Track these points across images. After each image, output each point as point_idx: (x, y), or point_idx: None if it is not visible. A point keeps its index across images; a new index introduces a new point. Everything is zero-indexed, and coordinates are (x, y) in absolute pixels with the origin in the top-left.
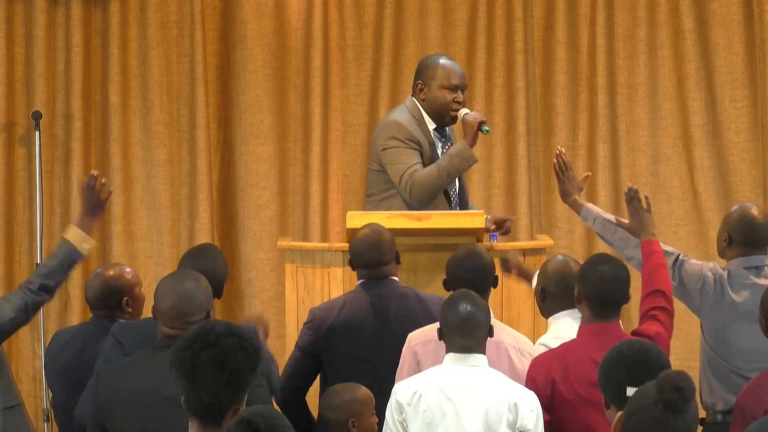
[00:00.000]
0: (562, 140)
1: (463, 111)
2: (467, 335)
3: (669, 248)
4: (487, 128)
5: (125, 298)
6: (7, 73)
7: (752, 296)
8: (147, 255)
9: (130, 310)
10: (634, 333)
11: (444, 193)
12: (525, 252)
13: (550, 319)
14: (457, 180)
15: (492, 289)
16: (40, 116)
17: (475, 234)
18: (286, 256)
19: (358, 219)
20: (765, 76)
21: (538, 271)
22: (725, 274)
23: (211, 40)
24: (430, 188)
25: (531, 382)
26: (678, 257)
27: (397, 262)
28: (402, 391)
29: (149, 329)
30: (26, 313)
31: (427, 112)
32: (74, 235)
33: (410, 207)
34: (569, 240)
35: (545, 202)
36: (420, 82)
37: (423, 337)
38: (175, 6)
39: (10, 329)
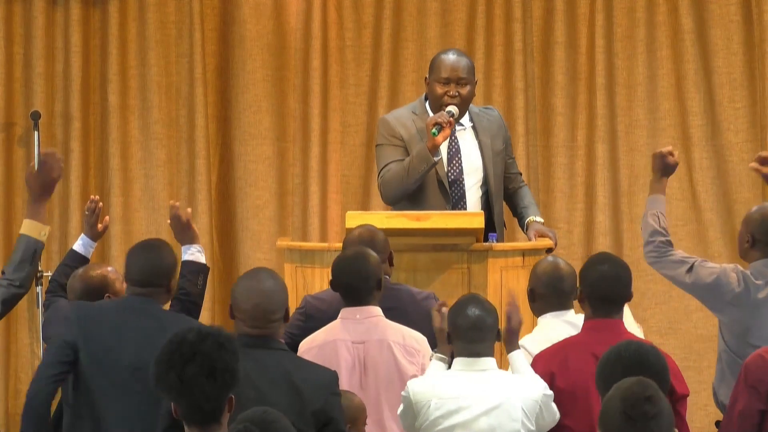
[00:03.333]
0: (561, 140)
1: (449, 108)
2: (475, 340)
3: (685, 256)
4: (434, 131)
5: (106, 295)
6: (6, 74)
7: None
8: None
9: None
10: None
11: (441, 188)
12: (525, 252)
13: (539, 319)
14: (471, 177)
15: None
16: (39, 116)
17: (475, 234)
18: (285, 256)
19: (357, 219)
20: (764, 76)
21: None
22: (748, 272)
23: (210, 40)
24: (397, 187)
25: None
26: (693, 264)
27: (390, 263)
28: (415, 390)
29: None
30: (2, 307)
31: (430, 105)
32: (27, 227)
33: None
34: (569, 240)
35: (545, 202)
36: (426, 76)
37: (309, 342)
38: (174, 6)
39: None
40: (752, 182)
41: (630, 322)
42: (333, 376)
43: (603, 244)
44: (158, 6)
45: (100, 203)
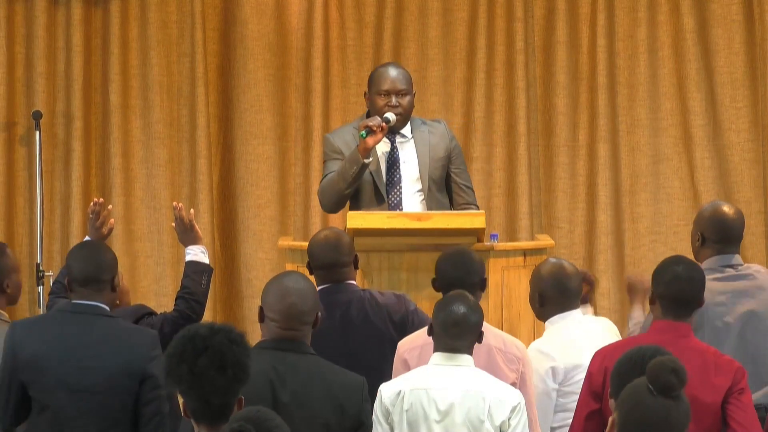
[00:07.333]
0: (562, 140)
1: (386, 115)
2: (456, 337)
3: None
4: (362, 133)
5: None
6: (8, 73)
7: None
8: (147, 255)
9: (117, 302)
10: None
11: (377, 194)
12: (525, 252)
13: (546, 323)
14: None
15: (480, 292)
16: (41, 116)
17: (475, 234)
18: (286, 256)
19: (358, 219)
20: (765, 76)
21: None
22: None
23: (212, 39)
24: (330, 193)
25: (588, 371)
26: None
27: (356, 266)
28: (386, 391)
29: None
30: None
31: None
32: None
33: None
34: (569, 240)
35: (545, 202)
36: (365, 91)
37: (410, 343)
38: (176, 6)
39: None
40: (753, 182)
41: (592, 319)
42: (363, 382)
43: (604, 243)
44: (160, 6)
45: (106, 206)
